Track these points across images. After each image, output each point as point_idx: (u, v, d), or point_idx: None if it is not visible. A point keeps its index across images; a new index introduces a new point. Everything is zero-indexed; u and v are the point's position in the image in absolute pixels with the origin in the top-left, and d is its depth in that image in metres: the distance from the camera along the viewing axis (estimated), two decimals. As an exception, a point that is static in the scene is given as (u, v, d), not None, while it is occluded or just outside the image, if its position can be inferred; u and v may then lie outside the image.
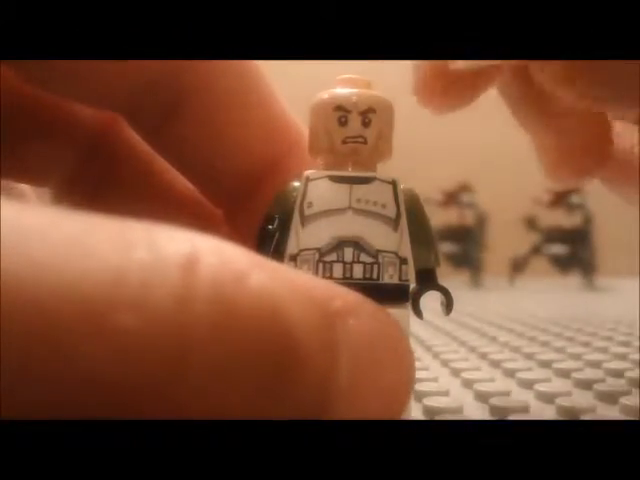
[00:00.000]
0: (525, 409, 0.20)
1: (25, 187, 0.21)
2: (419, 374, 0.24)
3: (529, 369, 0.26)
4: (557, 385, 0.23)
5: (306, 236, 0.16)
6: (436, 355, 0.29)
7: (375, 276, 0.16)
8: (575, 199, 0.86)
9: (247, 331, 0.09)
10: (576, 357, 0.29)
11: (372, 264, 0.16)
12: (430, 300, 0.17)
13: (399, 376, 0.11)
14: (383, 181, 0.16)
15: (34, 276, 0.09)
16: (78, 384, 0.09)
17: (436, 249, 0.17)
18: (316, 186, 0.16)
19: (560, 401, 0.20)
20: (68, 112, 0.20)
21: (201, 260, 0.10)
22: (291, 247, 0.16)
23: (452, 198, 0.87)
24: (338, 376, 0.10)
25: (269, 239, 0.16)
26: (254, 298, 0.10)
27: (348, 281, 0.16)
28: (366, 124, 0.16)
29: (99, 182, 0.21)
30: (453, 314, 0.17)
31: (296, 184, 0.16)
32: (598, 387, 0.22)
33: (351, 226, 0.16)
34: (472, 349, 0.31)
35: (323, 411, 0.10)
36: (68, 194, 0.21)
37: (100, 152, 0.21)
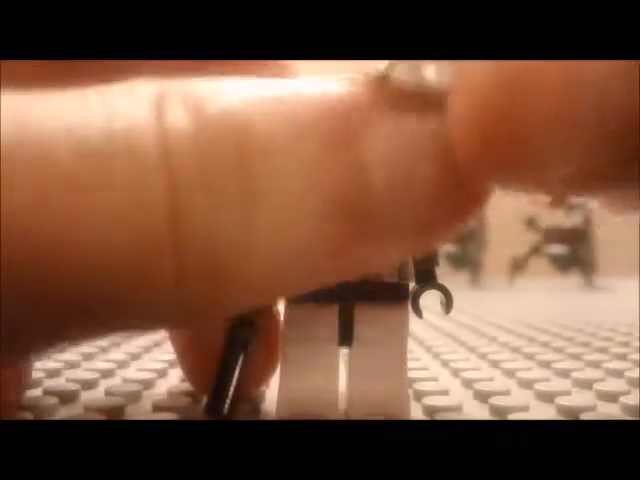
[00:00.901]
0: (525, 409, 0.20)
1: None
2: (419, 374, 0.24)
3: (529, 369, 0.26)
4: (557, 385, 0.23)
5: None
6: (436, 355, 0.29)
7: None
8: (575, 199, 0.86)
9: (221, 155, 0.10)
10: (576, 357, 0.29)
11: (372, 264, 0.16)
12: (430, 300, 0.17)
13: None
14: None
15: (35, 151, 0.09)
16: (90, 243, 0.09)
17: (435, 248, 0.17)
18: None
19: (560, 401, 0.20)
20: None
21: (169, 99, 0.10)
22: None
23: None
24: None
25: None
26: (220, 125, 0.10)
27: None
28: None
29: None
30: (453, 314, 0.17)
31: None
32: (598, 387, 0.22)
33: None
34: (472, 349, 0.31)
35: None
36: None
37: None
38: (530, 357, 0.29)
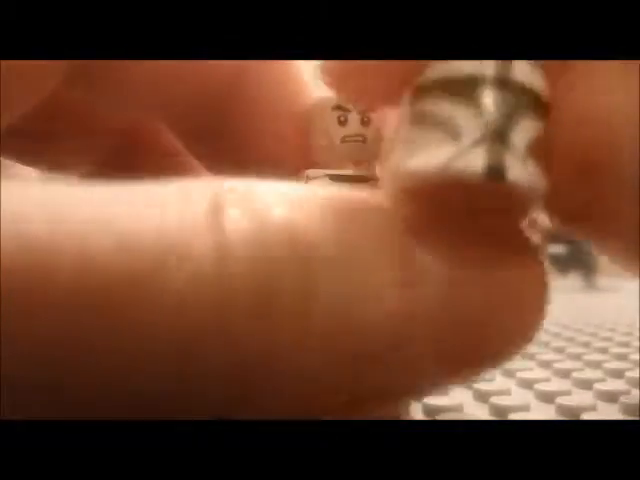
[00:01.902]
0: (525, 409, 0.19)
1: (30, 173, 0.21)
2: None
3: (529, 369, 0.26)
4: (557, 385, 0.23)
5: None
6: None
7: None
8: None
9: (276, 266, 0.10)
10: (576, 357, 0.29)
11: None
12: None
13: None
14: (383, 180, 0.16)
15: (77, 244, 0.09)
16: (135, 353, 0.09)
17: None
18: (316, 185, 0.16)
19: (560, 401, 0.20)
20: (100, 116, 0.20)
21: (226, 209, 0.10)
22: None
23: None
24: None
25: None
26: (277, 234, 0.10)
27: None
28: (365, 123, 0.16)
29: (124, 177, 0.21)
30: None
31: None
32: (598, 387, 0.22)
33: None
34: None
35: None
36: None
37: (130, 151, 0.21)
38: (530, 357, 0.29)
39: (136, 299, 0.09)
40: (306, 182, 0.16)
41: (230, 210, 0.10)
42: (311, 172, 0.16)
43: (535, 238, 0.11)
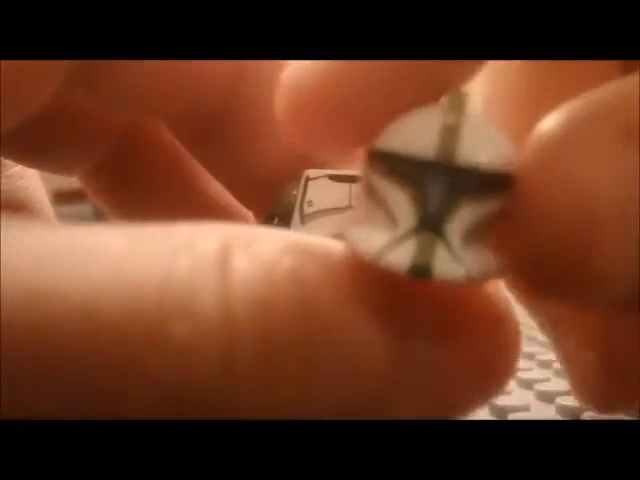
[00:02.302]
0: (525, 409, 0.20)
1: (46, 204, 0.21)
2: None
3: (529, 369, 0.26)
4: (557, 385, 0.23)
5: (306, 235, 0.16)
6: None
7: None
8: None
9: (283, 324, 0.09)
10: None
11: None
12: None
13: None
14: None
15: (89, 296, 0.09)
16: (147, 399, 0.09)
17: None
18: (316, 185, 0.16)
19: (560, 401, 0.20)
20: (100, 116, 0.20)
21: (233, 257, 0.10)
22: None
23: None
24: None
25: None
26: (286, 291, 0.10)
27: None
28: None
29: (124, 176, 0.21)
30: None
31: (296, 183, 0.16)
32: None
33: (351, 225, 0.16)
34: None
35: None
36: (93, 182, 0.21)
37: (129, 151, 0.21)
38: (530, 357, 0.29)
39: (142, 350, 0.09)
40: (306, 182, 0.16)
41: (238, 259, 0.10)
42: (311, 172, 0.16)
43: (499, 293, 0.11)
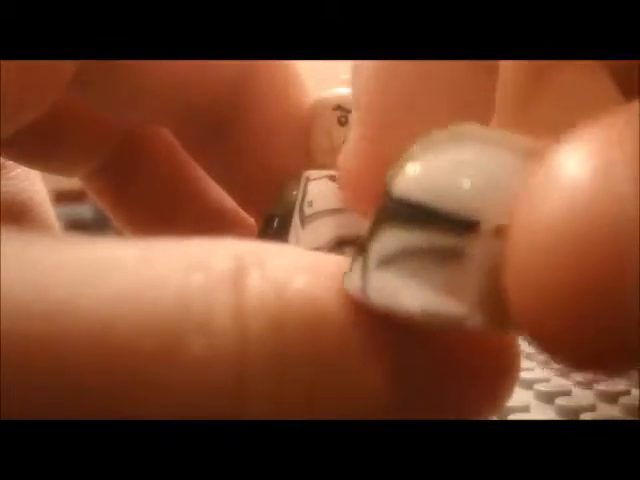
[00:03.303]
0: (525, 409, 0.20)
1: (51, 216, 0.21)
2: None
3: (529, 369, 0.26)
4: (557, 385, 0.23)
5: (306, 236, 0.16)
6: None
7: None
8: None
9: (294, 343, 0.10)
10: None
11: (372, 263, 0.16)
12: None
13: None
14: (383, 180, 0.16)
15: (105, 311, 0.09)
16: (158, 412, 0.09)
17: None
18: (316, 186, 0.16)
19: (560, 401, 0.20)
20: (103, 117, 0.20)
21: (247, 275, 0.10)
22: (291, 247, 0.16)
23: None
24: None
25: (269, 239, 0.16)
26: (298, 310, 0.10)
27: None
28: (366, 124, 0.16)
29: (125, 177, 0.21)
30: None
31: (296, 184, 0.16)
32: (598, 387, 0.22)
33: (351, 226, 0.16)
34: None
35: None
36: (94, 181, 0.21)
37: (131, 152, 0.21)
38: (530, 357, 0.29)
39: (156, 364, 0.09)
40: (306, 183, 0.16)
41: (251, 277, 0.10)
42: (311, 173, 0.16)
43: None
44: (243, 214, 0.21)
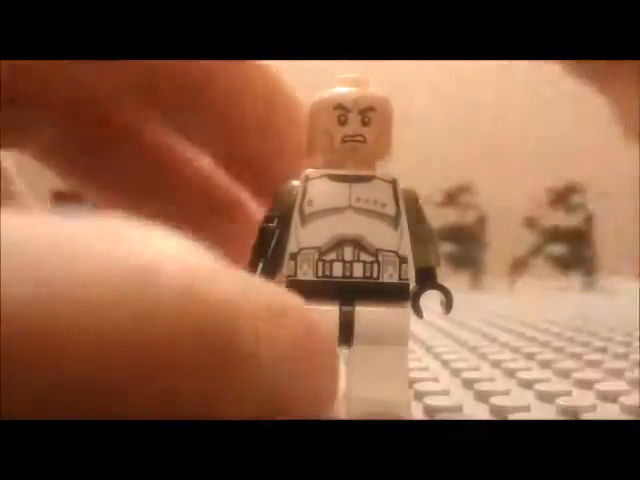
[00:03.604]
0: (525, 409, 0.20)
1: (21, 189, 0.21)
2: (419, 374, 0.24)
3: (529, 369, 0.26)
4: (557, 385, 0.23)
5: (306, 235, 0.16)
6: (436, 355, 0.29)
7: (375, 275, 0.16)
8: (575, 199, 0.86)
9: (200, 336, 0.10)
10: (576, 357, 0.29)
11: (372, 263, 0.16)
12: (430, 300, 0.17)
13: (323, 379, 0.12)
14: (383, 180, 0.16)
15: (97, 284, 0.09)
16: (69, 385, 0.09)
17: (436, 248, 0.17)
18: (316, 185, 0.16)
19: (560, 401, 0.20)
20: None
21: (162, 271, 0.10)
22: (291, 246, 0.16)
23: (452, 198, 0.87)
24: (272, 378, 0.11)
25: (269, 238, 0.16)
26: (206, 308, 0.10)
27: (348, 280, 0.16)
28: (366, 123, 0.16)
29: (84, 151, 0.21)
30: (453, 314, 0.17)
31: (296, 183, 0.16)
32: (598, 387, 0.22)
33: (351, 225, 0.16)
34: (472, 349, 0.31)
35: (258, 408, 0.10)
36: (48, 159, 0.21)
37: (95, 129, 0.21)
38: (530, 357, 0.29)
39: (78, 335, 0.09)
40: (306, 182, 0.16)
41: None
42: (311, 172, 0.16)
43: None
44: (240, 191, 0.21)
